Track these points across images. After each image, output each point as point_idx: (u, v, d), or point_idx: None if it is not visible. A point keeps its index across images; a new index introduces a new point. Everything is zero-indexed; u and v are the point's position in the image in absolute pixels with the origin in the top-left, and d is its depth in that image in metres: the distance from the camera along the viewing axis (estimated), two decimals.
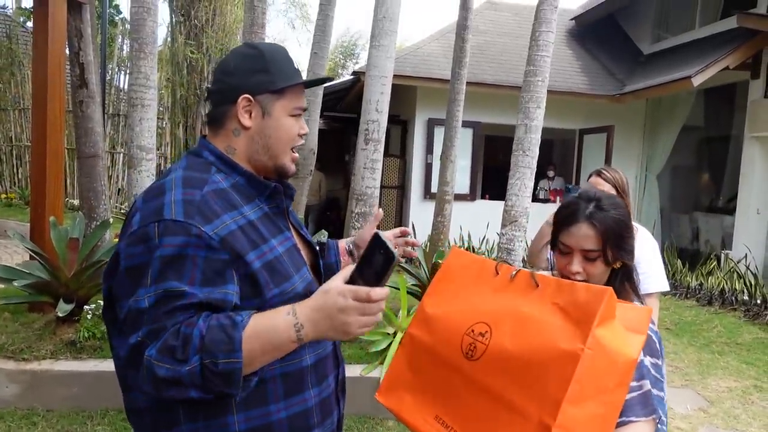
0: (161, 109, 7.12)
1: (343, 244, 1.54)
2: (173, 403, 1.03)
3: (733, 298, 6.37)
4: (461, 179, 8.96)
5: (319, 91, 5.57)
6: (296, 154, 1.22)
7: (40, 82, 3.95)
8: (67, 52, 4.30)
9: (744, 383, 4.44)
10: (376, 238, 0.94)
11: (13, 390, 3.25)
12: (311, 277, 1.19)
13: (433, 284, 1.40)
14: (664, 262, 7.85)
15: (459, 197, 8.81)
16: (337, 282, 0.95)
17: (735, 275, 6.81)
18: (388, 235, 1.57)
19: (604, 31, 10.76)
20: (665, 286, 2.51)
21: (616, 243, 1.26)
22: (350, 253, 1.52)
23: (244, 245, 1.04)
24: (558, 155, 11.83)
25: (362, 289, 0.92)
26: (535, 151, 3.80)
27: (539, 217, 6.64)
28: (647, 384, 1.13)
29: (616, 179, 2.51)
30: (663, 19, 10.03)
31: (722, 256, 7.72)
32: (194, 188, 1.05)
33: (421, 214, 8.48)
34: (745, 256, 7.18)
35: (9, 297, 3.73)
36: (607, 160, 8.72)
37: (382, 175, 9.08)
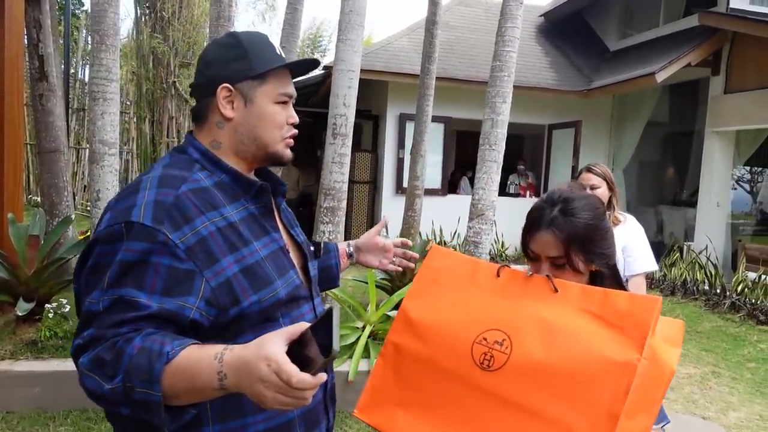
0: (127, 103, 6.98)
1: (343, 246, 1.48)
2: None
3: (695, 288, 6.58)
4: (433, 174, 9.01)
5: None
6: (291, 141, 1.16)
7: None
8: (26, 44, 4.18)
9: (703, 369, 4.59)
10: (326, 319, 0.78)
11: None
12: (299, 281, 1.13)
13: (416, 287, 1.30)
14: None
15: (430, 192, 8.87)
16: (274, 342, 0.79)
17: (696, 266, 7.03)
18: (388, 245, 1.51)
19: (572, 27, 10.94)
20: (653, 266, 2.73)
21: (583, 248, 1.20)
22: (350, 256, 1.47)
23: (218, 249, 0.98)
24: (528, 150, 12.00)
25: (287, 369, 0.76)
26: (502, 146, 3.84)
27: (507, 211, 6.77)
28: None
29: (605, 174, 2.60)
30: (629, 16, 10.24)
31: (685, 247, 7.95)
32: (169, 188, 1.00)
33: (393, 209, 8.50)
34: (706, 247, 7.40)
35: None
36: (575, 155, 8.89)
37: (354, 170, 9.17)
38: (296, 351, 0.79)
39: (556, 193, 1.26)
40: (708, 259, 7.13)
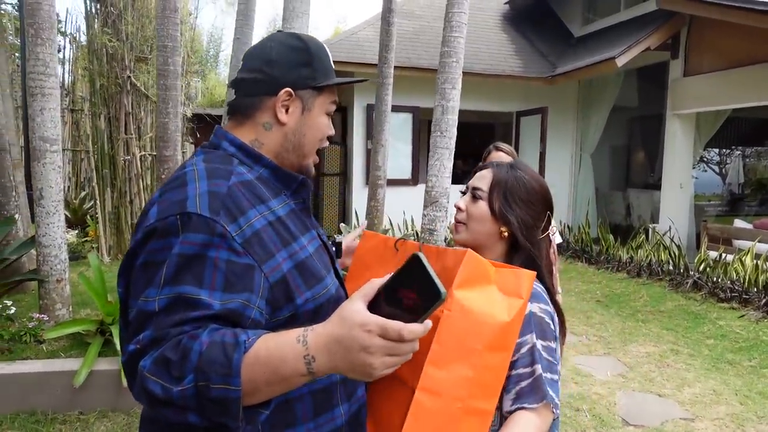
0: (80, 98, 6.82)
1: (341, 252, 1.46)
2: None
3: (660, 269, 6.68)
4: (403, 164, 9.01)
5: None
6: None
7: None
8: None
9: (662, 348, 4.67)
10: (418, 263, 0.75)
11: None
12: (337, 283, 1.11)
13: (351, 270, 1.38)
14: (598, 238, 8.13)
15: (401, 182, 8.87)
16: (358, 308, 0.76)
17: (661, 247, 7.14)
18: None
19: (537, 14, 10.99)
20: (558, 239, 2.86)
21: (506, 195, 1.25)
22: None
23: (272, 244, 0.94)
24: (500, 138, 12.04)
25: (394, 326, 0.73)
26: (453, 132, 3.84)
27: None
28: (539, 368, 1.11)
29: (512, 151, 2.64)
30: (591, 2, 10.32)
31: (650, 229, 8.07)
32: (220, 179, 0.95)
33: (363, 200, 8.48)
34: (669, 228, 7.52)
35: None
36: (543, 141, 8.95)
37: (324, 162, 9.12)
38: (381, 310, 0.76)
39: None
40: (671, 240, 7.24)
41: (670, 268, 6.59)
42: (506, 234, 1.25)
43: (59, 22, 8.33)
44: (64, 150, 7.78)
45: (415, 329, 0.74)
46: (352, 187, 9.07)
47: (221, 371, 0.76)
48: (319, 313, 0.98)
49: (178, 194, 0.92)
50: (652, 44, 7.51)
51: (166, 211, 0.91)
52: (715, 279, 5.94)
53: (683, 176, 7.91)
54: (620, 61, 7.36)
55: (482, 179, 1.29)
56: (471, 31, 9.61)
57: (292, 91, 1.04)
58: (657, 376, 4.11)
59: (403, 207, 8.45)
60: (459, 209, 1.30)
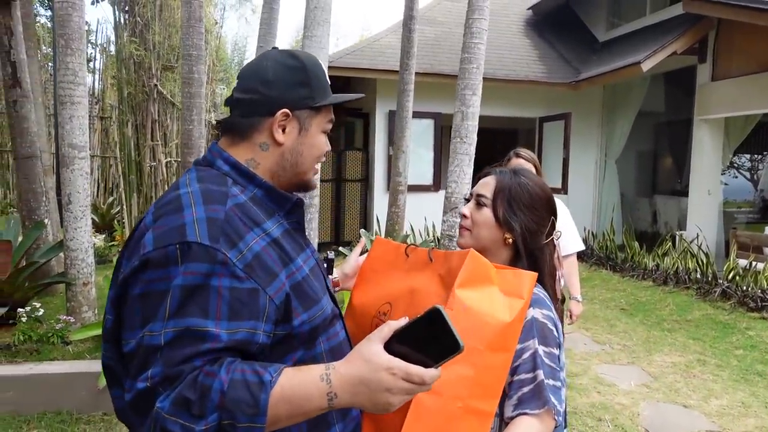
0: (109, 106, 7.00)
1: (331, 276, 1.43)
2: None
3: (687, 277, 6.53)
4: (425, 170, 9.01)
5: None
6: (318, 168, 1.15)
7: None
8: None
9: (688, 358, 4.56)
10: (438, 316, 0.80)
11: None
12: (330, 298, 1.11)
13: (360, 276, 1.39)
14: (623, 245, 8.00)
15: (422, 188, 8.87)
16: (379, 351, 0.81)
17: (688, 255, 6.98)
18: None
19: (561, 19, 10.90)
20: (580, 246, 2.87)
21: (509, 201, 1.25)
22: (335, 285, 1.41)
23: (274, 264, 0.94)
24: (522, 144, 11.94)
25: (417, 371, 0.80)
26: (473, 138, 3.83)
27: None
28: (540, 374, 1.10)
29: (533, 158, 2.62)
30: (616, 6, 10.19)
31: (677, 236, 7.90)
32: (217, 204, 0.93)
33: (384, 207, 8.49)
34: (697, 235, 7.35)
35: None
36: (566, 147, 8.85)
37: (346, 168, 9.17)
38: (390, 351, 0.82)
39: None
40: (699, 247, 7.07)
41: (698, 276, 6.43)
42: (510, 240, 1.26)
43: (90, 32, 8.57)
44: (93, 156, 7.99)
45: (434, 374, 0.81)
46: (374, 194, 9.09)
47: (248, 411, 0.79)
48: (314, 334, 1.00)
49: (175, 220, 0.90)
50: (679, 48, 7.38)
51: (163, 239, 0.88)
52: (744, 288, 5.78)
53: (711, 182, 7.73)
54: (645, 66, 7.25)
55: (486, 186, 1.30)
56: (494, 37, 9.59)
57: (289, 111, 1.03)
58: (683, 386, 4.01)
59: (424, 213, 8.45)
60: (464, 216, 1.31)
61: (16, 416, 3.19)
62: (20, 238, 3.90)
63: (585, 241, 8.69)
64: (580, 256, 8.02)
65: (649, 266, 7.10)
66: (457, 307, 1.02)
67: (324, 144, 1.10)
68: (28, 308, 3.53)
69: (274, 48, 1.14)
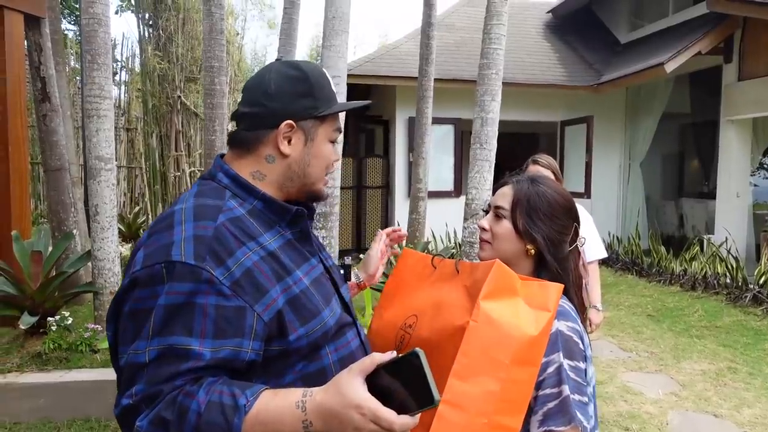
0: (135, 118, 7.16)
1: (351, 281, 1.42)
2: None
3: (716, 282, 6.38)
4: (446, 176, 8.99)
5: None
6: (327, 177, 1.14)
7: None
8: (28, 67, 4.33)
9: (718, 365, 4.44)
10: (417, 362, 0.76)
11: None
12: (340, 310, 1.08)
13: (387, 286, 1.38)
14: (649, 250, 7.83)
15: (443, 194, 8.85)
16: (356, 386, 0.78)
17: (717, 259, 6.81)
18: (383, 249, 1.43)
19: (581, 21, 10.79)
20: (603, 254, 2.81)
21: (528, 212, 1.22)
22: (359, 285, 1.42)
23: (266, 280, 0.93)
24: (543, 148, 11.84)
25: (386, 416, 0.76)
26: (493, 144, 3.81)
27: None
28: (566, 389, 1.07)
29: (551, 164, 2.59)
30: (638, 7, 10.05)
31: (705, 240, 7.72)
32: (207, 220, 0.93)
33: (405, 213, 8.49)
34: (726, 239, 7.17)
35: None
36: (588, 151, 8.74)
37: (367, 175, 9.20)
38: (374, 385, 0.78)
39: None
40: (728, 252, 6.90)
41: (727, 281, 6.27)
42: (533, 251, 1.23)
43: (115, 45, 8.81)
44: (119, 167, 8.17)
45: (405, 422, 0.76)
46: (395, 200, 9.10)
47: None
48: (315, 348, 0.99)
49: (164, 238, 0.91)
50: (703, 48, 7.24)
51: (151, 258, 0.90)
52: None
53: (740, 184, 7.54)
54: (669, 67, 7.13)
55: (504, 197, 1.26)
56: (514, 41, 9.54)
57: (293, 123, 1.03)
58: (713, 395, 3.91)
59: (446, 219, 8.42)
60: (483, 229, 1.28)
61: (46, 422, 3.26)
62: (50, 249, 4.00)
63: (610, 246, 8.55)
64: (605, 261, 7.87)
65: (677, 271, 6.95)
66: (481, 318, 1.00)
67: (331, 153, 1.10)
68: (57, 317, 3.62)
69: (278, 59, 1.15)
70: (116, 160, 7.68)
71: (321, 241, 3.83)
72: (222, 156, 1.09)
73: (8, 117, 3.93)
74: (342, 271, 1.27)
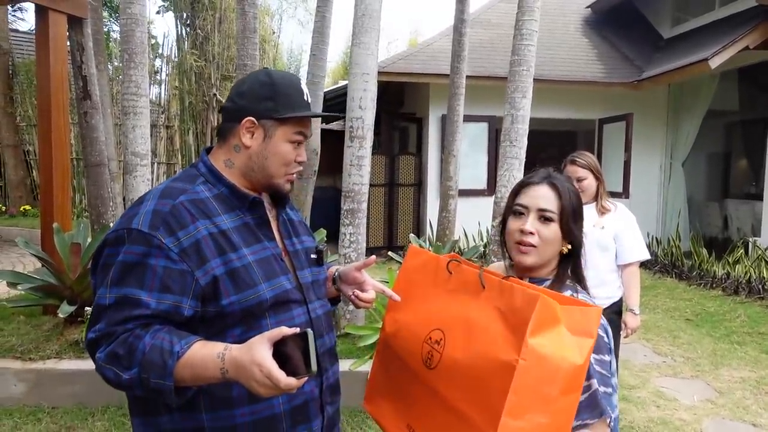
0: (173, 115, 7.34)
1: (332, 270, 1.50)
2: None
3: (761, 287, 6.11)
4: (479, 174, 8.90)
5: (320, 92, 5.64)
6: (293, 176, 1.28)
7: (44, 97, 4.15)
8: (71, 66, 4.50)
9: (760, 373, 4.26)
10: (306, 341, 0.96)
11: (21, 388, 3.42)
12: (291, 286, 1.23)
13: (396, 286, 1.38)
14: (690, 252, 7.56)
15: (476, 192, 8.76)
16: (262, 346, 0.97)
17: (763, 262, 6.52)
18: (366, 281, 1.39)
19: (622, 17, 10.47)
20: (645, 255, 2.74)
21: (574, 214, 1.25)
22: (333, 282, 1.48)
23: (209, 252, 1.12)
24: (581, 146, 11.57)
25: (276, 375, 0.95)
26: (523, 142, 3.75)
27: None
28: (594, 383, 1.11)
29: (591, 164, 2.52)
30: (683, 1, 9.70)
31: (750, 243, 7.40)
32: (168, 198, 1.14)
33: (436, 211, 8.45)
34: None
35: (19, 301, 3.93)
36: (627, 149, 8.50)
37: (399, 173, 9.19)
38: (280, 351, 0.97)
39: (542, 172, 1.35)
40: None
41: None
42: (565, 250, 1.26)
43: (156, 45, 9.07)
44: (159, 163, 8.41)
45: (290, 383, 0.95)
46: (426, 198, 9.06)
47: (158, 372, 1.01)
48: (250, 315, 1.16)
49: (133, 210, 1.14)
50: (751, 43, 6.93)
51: (120, 224, 1.13)
52: None
53: None
54: (714, 63, 6.85)
55: (547, 200, 1.25)
56: (551, 36, 9.35)
57: (254, 119, 1.20)
58: (752, 403, 3.75)
59: (478, 217, 8.33)
60: (530, 233, 1.25)
61: (82, 408, 3.39)
62: (89, 241, 4.15)
63: (649, 247, 8.29)
64: (643, 263, 7.67)
65: (719, 274, 6.69)
66: (530, 357, 0.99)
67: (289, 152, 1.24)
68: None
69: (264, 68, 1.34)
70: (156, 157, 7.92)
71: (349, 237, 3.85)
72: (209, 149, 1.31)
73: (52, 114, 4.09)
74: (315, 256, 1.36)
